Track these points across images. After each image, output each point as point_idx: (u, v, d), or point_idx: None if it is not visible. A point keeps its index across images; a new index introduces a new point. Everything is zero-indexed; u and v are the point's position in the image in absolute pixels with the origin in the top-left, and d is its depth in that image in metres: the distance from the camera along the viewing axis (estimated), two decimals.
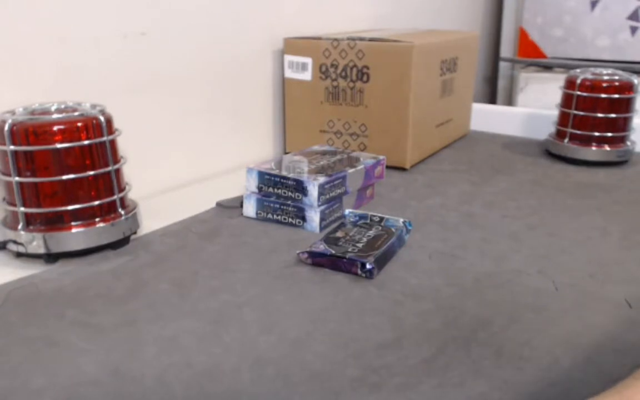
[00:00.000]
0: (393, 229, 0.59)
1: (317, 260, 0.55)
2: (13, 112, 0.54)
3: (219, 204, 0.71)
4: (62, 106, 0.56)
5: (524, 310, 0.47)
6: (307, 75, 0.89)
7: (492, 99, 1.79)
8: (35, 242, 0.53)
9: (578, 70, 0.93)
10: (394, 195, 0.76)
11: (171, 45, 0.77)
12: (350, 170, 0.67)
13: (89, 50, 0.67)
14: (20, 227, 0.54)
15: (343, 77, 0.86)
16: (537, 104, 1.34)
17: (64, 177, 0.53)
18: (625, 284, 0.52)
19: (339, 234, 0.59)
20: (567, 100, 0.93)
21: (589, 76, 0.90)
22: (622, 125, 0.90)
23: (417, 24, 1.30)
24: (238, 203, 0.69)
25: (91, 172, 0.55)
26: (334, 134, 0.89)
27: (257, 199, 0.66)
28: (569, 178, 0.84)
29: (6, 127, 0.52)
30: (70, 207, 0.54)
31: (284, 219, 0.65)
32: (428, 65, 0.87)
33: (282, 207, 0.64)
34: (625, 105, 0.89)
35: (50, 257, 0.54)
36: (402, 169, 0.87)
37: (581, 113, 0.90)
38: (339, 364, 0.40)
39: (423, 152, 0.91)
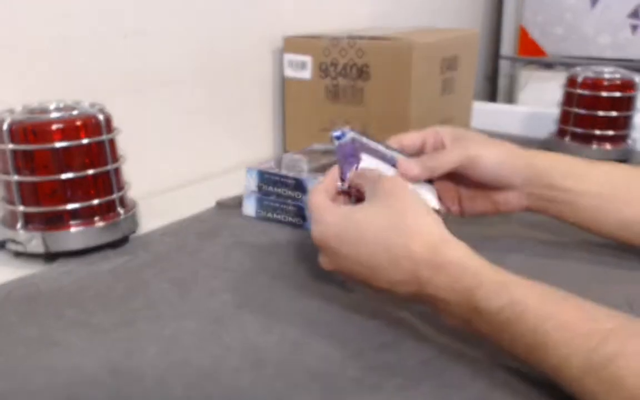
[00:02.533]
0: None
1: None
2: (12, 111, 0.54)
3: (219, 204, 0.71)
4: (61, 105, 0.56)
5: None
6: (306, 74, 0.88)
7: (492, 98, 1.79)
8: (34, 242, 0.53)
9: (579, 68, 0.93)
10: None
11: (171, 45, 0.76)
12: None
13: (88, 49, 0.67)
14: (19, 226, 0.54)
15: (343, 75, 0.86)
16: (538, 102, 1.34)
17: (63, 176, 0.53)
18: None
19: None
20: (568, 99, 0.92)
21: (590, 74, 0.90)
22: (623, 123, 0.90)
23: (417, 22, 1.29)
24: (238, 202, 0.69)
25: (90, 171, 0.54)
26: None
27: (257, 198, 0.66)
28: None
29: (5, 126, 0.51)
30: (69, 206, 0.54)
31: (284, 218, 0.65)
32: (428, 63, 0.86)
33: (282, 206, 0.64)
34: (627, 104, 0.89)
35: (50, 257, 0.54)
36: None
37: (582, 111, 0.90)
38: (339, 364, 0.40)
39: None
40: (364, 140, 0.53)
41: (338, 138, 0.52)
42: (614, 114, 0.88)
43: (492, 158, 0.54)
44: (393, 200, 0.44)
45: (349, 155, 0.52)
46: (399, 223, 0.42)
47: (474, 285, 0.38)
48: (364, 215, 0.44)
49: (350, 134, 0.52)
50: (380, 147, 0.54)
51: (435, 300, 0.41)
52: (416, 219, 0.43)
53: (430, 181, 0.55)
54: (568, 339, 0.34)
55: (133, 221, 0.59)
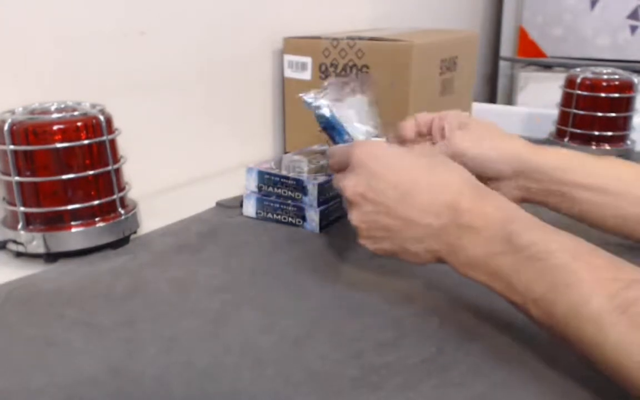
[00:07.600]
0: None
1: None
2: (13, 112, 0.54)
3: (219, 204, 0.71)
4: (62, 106, 0.56)
5: None
6: (306, 75, 0.88)
7: (492, 99, 1.79)
8: (35, 242, 0.53)
9: (578, 69, 0.93)
10: None
11: (171, 45, 0.76)
12: None
13: (88, 49, 0.67)
14: (20, 226, 0.54)
15: (343, 76, 0.86)
16: (537, 103, 1.34)
17: (64, 176, 0.53)
18: None
19: None
20: (567, 100, 0.93)
21: (589, 75, 0.90)
22: (622, 124, 0.90)
23: (417, 23, 1.29)
24: (238, 203, 0.69)
25: (91, 172, 0.55)
26: None
27: (257, 199, 0.66)
28: None
29: (6, 127, 0.52)
30: (70, 207, 0.54)
31: (284, 218, 0.65)
32: (428, 64, 0.86)
33: (282, 206, 0.64)
34: (625, 104, 0.89)
35: (50, 257, 0.54)
36: None
37: (581, 112, 0.90)
38: (339, 364, 0.40)
39: None
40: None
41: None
42: (612, 114, 0.89)
43: (476, 159, 0.55)
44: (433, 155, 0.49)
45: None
46: (445, 161, 0.46)
47: (512, 217, 0.40)
48: (409, 151, 0.49)
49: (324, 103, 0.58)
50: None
51: (465, 230, 0.41)
52: (459, 166, 0.46)
53: None
54: (593, 279, 0.35)
55: (133, 221, 0.59)
